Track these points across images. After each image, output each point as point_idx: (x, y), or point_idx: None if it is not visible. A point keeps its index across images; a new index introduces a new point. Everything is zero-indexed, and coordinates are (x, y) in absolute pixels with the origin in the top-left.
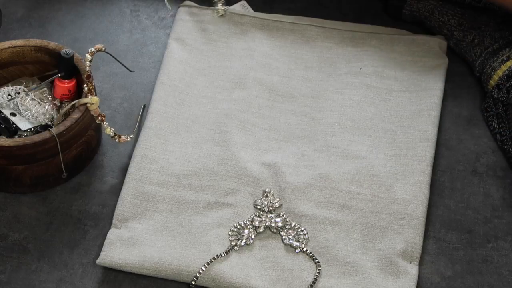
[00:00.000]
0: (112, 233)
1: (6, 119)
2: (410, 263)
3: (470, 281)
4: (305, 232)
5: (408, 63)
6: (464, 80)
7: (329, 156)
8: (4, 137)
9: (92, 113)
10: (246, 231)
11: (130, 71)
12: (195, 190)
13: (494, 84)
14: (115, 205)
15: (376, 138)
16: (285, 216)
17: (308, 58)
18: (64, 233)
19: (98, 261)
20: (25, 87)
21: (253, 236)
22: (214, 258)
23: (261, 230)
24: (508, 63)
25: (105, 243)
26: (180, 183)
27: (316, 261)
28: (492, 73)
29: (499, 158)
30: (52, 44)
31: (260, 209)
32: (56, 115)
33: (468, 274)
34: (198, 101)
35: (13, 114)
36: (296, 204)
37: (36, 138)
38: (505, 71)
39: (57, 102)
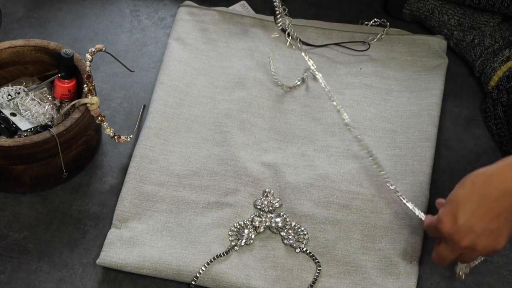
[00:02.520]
0: (112, 233)
1: (6, 119)
2: (410, 263)
3: (470, 281)
4: (305, 232)
5: (408, 63)
6: (464, 80)
7: (329, 156)
8: (4, 137)
9: (92, 113)
10: (246, 231)
11: (130, 71)
12: (195, 190)
13: (494, 85)
14: (115, 205)
15: (376, 138)
16: (285, 216)
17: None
18: (64, 233)
19: (98, 261)
20: (25, 87)
21: (253, 236)
22: (214, 258)
23: (261, 230)
24: (508, 64)
25: (105, 243)
26: (180, 183)
27: (316, 261)
28: (492, 73)
29: (499, 158)
30: (52, 44)
31: (260, 209)
32: (56, 115)
33: (468, 274)
34: (198, 101)
35: (13, 114)
36: (296, 204)
37: (36, 138)
38: (505, 72)
39: (57, 102)
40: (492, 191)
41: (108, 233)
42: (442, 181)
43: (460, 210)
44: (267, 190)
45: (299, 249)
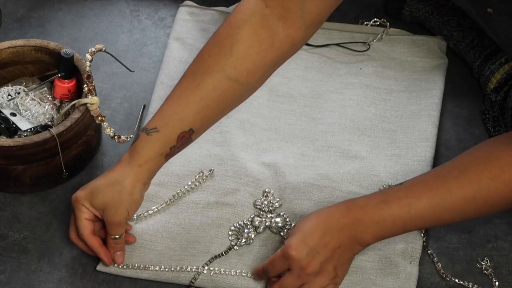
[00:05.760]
0: None
1: (6, 119)
2: (410, 263)
3: (470, 281)
4: None
5: (408, 63)
6: (464, 80)
7: (329, 156)
8: (4, 137)
9: (92, 113)
10: (246, 230)
11: (130, 71)
12: (195, 190)
13: (492, 87)
14: None
15: (376, 138)
16: (285, 216)
17: (308, 59)
18: (64, 233)
19: (98, 267)
20: (25, 87)
21: (253, 236)
22: (213, 258)
23: (261, 230)
24: (506, 67)
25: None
26: (180, 183)
27: None
28: (491, 75)
29: None
30: (52, 44)
31: (260, 209)
32: (56, 115)
33: (468, 274)
34: None
35: (13, 114)
36: (296, 204)
37: (36, 138)
38: (503, 74)
39: (57, 102)
40: (333, 223)
41: None
42: None
43: (308, 237)
44: (267, 190)
45: None
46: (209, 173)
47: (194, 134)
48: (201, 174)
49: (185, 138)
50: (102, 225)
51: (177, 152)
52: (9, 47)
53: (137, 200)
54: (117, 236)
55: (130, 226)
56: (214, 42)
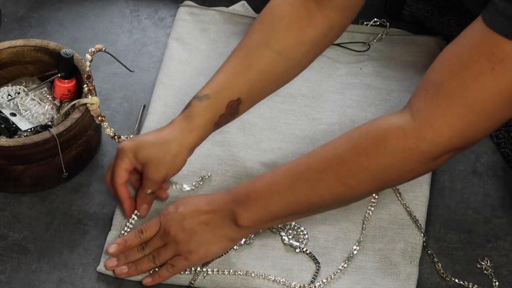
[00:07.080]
0: (112, 237)
1: (6, 119)
2: (410, 263)
3: (470, 281)
4: (305, 232)
5: (408, 64)
6: None
7: None
8: (4, 137)
9: (92, 113)
10: None
11: (130, 71)
12: (195, 190)
13: None
14: (115, 205)
15: None
16: None
17: None
18: (64, 233)
19: (98, 268)
20: (25, 87)
21: (252, 236)
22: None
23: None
24: None
25: (104, 249)
26: (180, 183)
27: (315, 261)
28: None
29: (499, 158)
30: (52, 44)
31: None
32: (56, 115)
33: (468, 274)
34: None
35: (13, 114)
36: None
37: (36, 138)
38: None
39: (57, 102)
40: (216, 202)
41: (108, 236)
42: (442, 181)
43: (187, 204)
44: None
45: (299, 249)
46: (207, 177)
47: (241, 105)
48: (200, 178)
49: (233, 108)
50: (139, 177)
51: (225, 122)
52: (9, 47)
53: (179, 164)
54: (149, 191)
55: (167, 187)
56: (258, 21)
